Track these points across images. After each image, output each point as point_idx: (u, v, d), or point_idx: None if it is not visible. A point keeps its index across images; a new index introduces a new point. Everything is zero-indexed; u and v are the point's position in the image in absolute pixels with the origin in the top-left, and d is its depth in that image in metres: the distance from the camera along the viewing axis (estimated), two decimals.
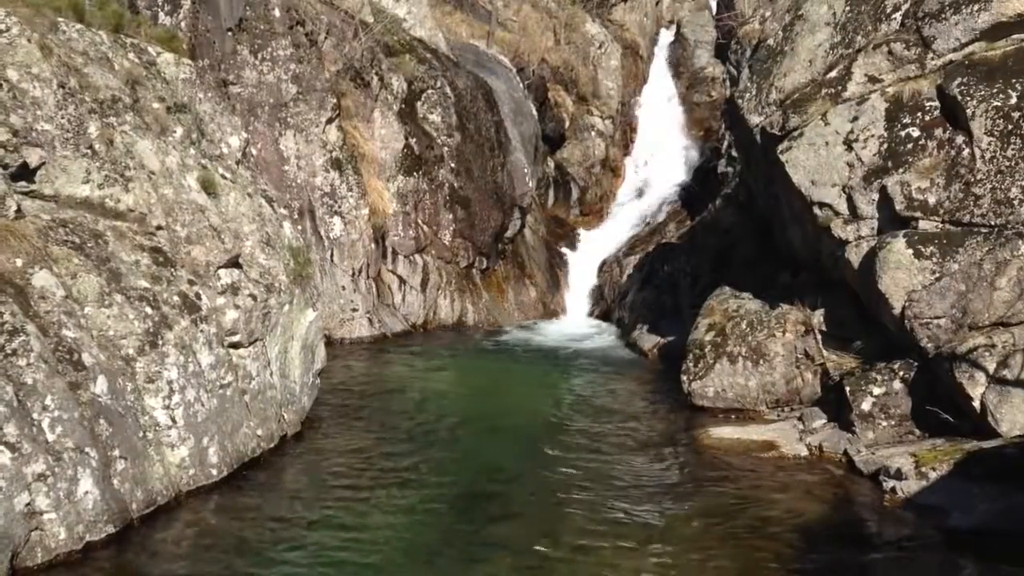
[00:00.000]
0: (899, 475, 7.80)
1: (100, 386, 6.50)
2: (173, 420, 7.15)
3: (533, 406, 11.48)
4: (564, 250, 23.51)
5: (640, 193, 25.90)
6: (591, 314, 21.36)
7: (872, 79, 10.34)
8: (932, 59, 10.05)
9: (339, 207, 16.31)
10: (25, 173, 7.02)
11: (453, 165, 18.96)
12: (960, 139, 9.46)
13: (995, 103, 9.27)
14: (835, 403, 9.79)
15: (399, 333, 16.71)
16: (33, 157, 7.06)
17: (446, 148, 18.89)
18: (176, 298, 7.54)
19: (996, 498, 7.08)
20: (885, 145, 9.93)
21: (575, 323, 20.28)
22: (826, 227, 10.25)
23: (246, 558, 6.36)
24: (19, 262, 6.40)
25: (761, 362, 10.82)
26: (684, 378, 11.26)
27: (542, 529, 7.10)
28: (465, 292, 19.01)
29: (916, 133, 9.78)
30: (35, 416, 5.94)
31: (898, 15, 10.46)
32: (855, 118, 10.16)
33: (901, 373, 9.24)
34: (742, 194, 15.62)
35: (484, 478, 8.38)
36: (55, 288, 6.54)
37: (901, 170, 9.69)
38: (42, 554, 5.82)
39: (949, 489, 7.44)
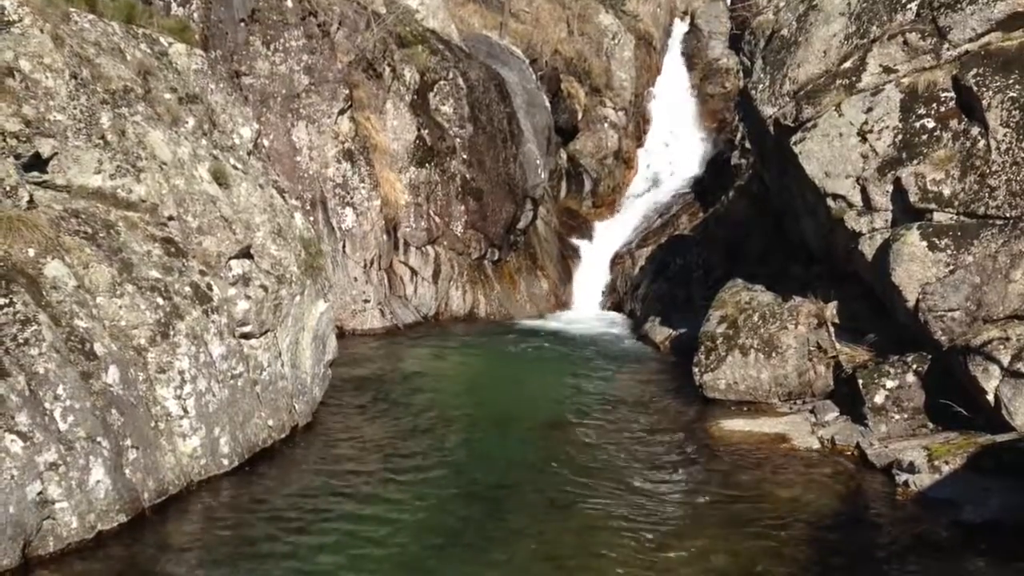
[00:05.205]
0: (912, 468, 7.76)
1: (112, 376, 6.52)
2: (185, 410, 7.17)
3: (544, 397, 11.48)
4: (576, 242, 23.48)
5: (653, 185, 25.84)
6: (603, 306, 21.35)
7: (887, 70, 10.27)
8: (948, 49, 9.97)
9: (351, 198, 16.31)
10: (37, 163, 7.03)
11: (465, 156, 18.94)
12: (975, 130, 9.39)
13: (1011, 94, 9.19)
14: (848, 396, 9.74)
15: (411, 324, 16.72)
16: (45, 147, 7.07)
17: (458, 139, 18.87)
18: (187, 288, 7.56)
19: (1009, 492, 7.04)
20: (900, 136, 9.86)
21: (587, 315, 20.25)
22: (840, 219, 10.20)
23: (257, 548, 6.38)
24: (31, 252, 6.42)
25: (773, 355, 10.78)
26: (696, 370, 11.23)
27: (552, 521, 7.10)
28: (477, 284, 19.01)
29: (931, 124, 9.71)
30: (47, 405, 5.96)
31: (913, 5, 10.38)
32: (869, 109, 10.10)
33: (914, 366, 9.18)
34: (755, 186, 15.56)
35: (495, 468, 8.38)
36: (67, 278, 6.55)
37: (916, 161, 9.62)
38: (54, 543, 5.85)
39: (962, 483, 7.40)
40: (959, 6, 9.95)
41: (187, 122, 8.73)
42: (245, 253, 8.44)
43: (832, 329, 10.59)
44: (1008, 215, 8.98)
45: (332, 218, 16.10)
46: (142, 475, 6.63)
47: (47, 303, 6.31)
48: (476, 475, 8.15)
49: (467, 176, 18.91)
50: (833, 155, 10.22)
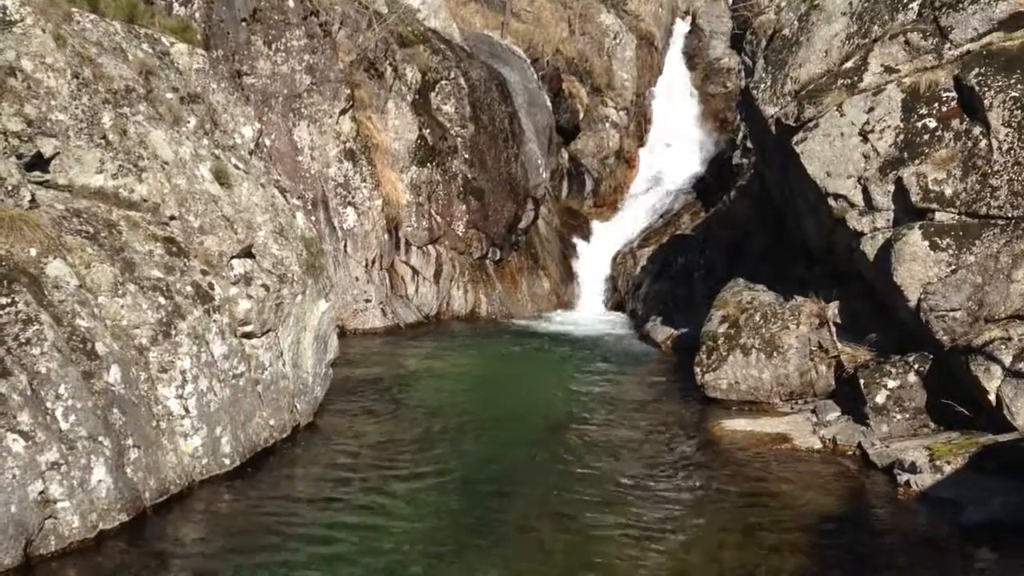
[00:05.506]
0: (913, 468, 7.75)
1: (113, 375, 6.53)
2: (186, 410, 7.18)
3: (546, 397, 11.47)
4: (578, 241, 23.48)
5: (654, 185, 25.84)
6: (604, 306, 21.35)
7: (888, 69, 10.26)
8: (949, 49, 9.96)
9: (353, 198, 16.32)
10: (39, 163, 7.05)
11: (467, 156, 18.95)
12: (977, 130, 9.38)
13: (1013, 94, 9.18)
14: (849, 396, 9.74)
15: (412, 324, 16.72)
16: (47, 147, 7.08)
17: (460, 139, 18.87)
18: (189, 288, 7.56)
19: (1011, 492, 7.03)
20: (901, 136, 9.86)
21: (588, 315, 20.26)
22: (841, 219, 10.19)
23: (258, 547, 6.38)
24: (33, 251, 6.43)
25: (775, 354, 10.78)
26: (697, 370, 11.23)
27: (553, 521, 7.09)
28: (478, 283, 19.01)
29: (933, 124, 9.70)
30: (49, 405, 5.97)
31: (915, 5, 10.37)
32: (871, 109, 10.09)
33: (916, 366, 9.18)
34: (756, 186, 15.55)
35: (496, 469, 8.38)
36: (69, 277, 6.56)
37: (917, 161, 9.62)
38: (55, 542, 5.85)
39: (964, 483, 7.39)
40: (961, 6, 9.94)
41: (189, 122, 8.73)
42: (247, 252, 8.45)
43: (834, 329, 10.59)
44: (1010, 215, 8.97)
45: (334, 218, 16.11)
46: (143, 474, 6.63)
47: (49, 302, 6.31)
48: (477, 476, 8.15)
49: (468, 176, 18.91)
50: (834, 155, 10.22)
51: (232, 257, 8.25)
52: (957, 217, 9.24)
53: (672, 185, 25.13)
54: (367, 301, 16.11)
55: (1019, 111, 9.11)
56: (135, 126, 7.92)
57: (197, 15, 14.61)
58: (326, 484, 7.72)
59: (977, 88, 9.37)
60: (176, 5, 14.36)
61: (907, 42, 10.20)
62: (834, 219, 10.32)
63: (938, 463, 7.68)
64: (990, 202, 9.08)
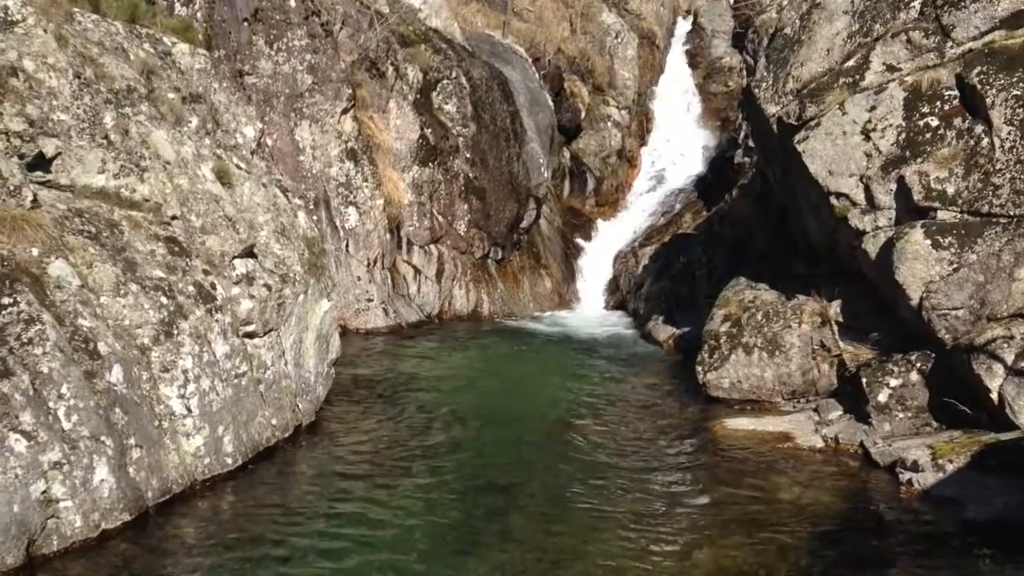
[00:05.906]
0: (916, 467, 7.75)
1: (115, 375, 6.53)
2: (188, 409, 7.18)
3: (548, 396, 11.47)
4: (579, 241, 23.44)
5: (656, 184, 25.81)
6: (606, 305, 21.31)
7: (890, 68, 10.25)
8: (951, 48, 9.96)
9: (354, 197, 16.31)
10: (41, 163, 7.05)
11: (468, 155, 18.92)
12: (979, 128, 9.37)
13: (1015, 92, 9.17)
14: (851, 394, 9.73)
15: (414, 323, 16.70)
16: (49, 147, 7.09)
17: (461, 138, 18.86)
18: (191, 288, 7.57)
19: (1013, 490, 7.04)
20: (903, 135, 9.85)
21: (590, 314, 20.22)
22: (843, 217, 10.18)
23: (260, 547, 6.39)
24: (35, 251, 6.44)
25: (777, 353, 10.77)
26: (699, 369, 11.22)
27: (555, 519, 7.10)
28: (480, 283, 19.00)
29: (935, 122, 9.69)
30: (51, 404, 5.97)
31: (917, 3, 10.37)
32: (873, 107, 10.08)
33: (918, 364, 9.17)
34: (758, 184, 15.54)
35: (498, 469, 8.38)
36: (71, 277, 6.56)
37: (919, 160, 9.61)
38: (58, 542, 5.86)
39: (966, 481, 7.39)
40: (963, 4, 9.93)
41: (190, 121, 8.74)
42: (248, 252, 8.45)
43: (836, 328, 10.58)
44: (1012, 213, 8.97)
45: (335, 217, 16.10)
46: (146, 474, 6.64)
47: (51, 302, 6.32)
48: (479, 475, 8.15)
49: (470, 175, 18.90)
50: (836, 153, 10.21)
51: (234, 257, 8.26)
52: (959, 215, 9.23)
53: (674, 184, 25.09)
54: (369, 300, 16.10)
55: (1021, 109, 9.10)
56: (137, 126, 7.93)
57: (199, 15, 14.60)
58: (328, 484, 7.73)
59: (979, 86, 9.36)
60: (178, 5, 14.35)
61: (909, 40, 10.19)
62: (836, 218, 10.31)
63: (940, 461, 7.68)
64: (992, 200, 9.08)
